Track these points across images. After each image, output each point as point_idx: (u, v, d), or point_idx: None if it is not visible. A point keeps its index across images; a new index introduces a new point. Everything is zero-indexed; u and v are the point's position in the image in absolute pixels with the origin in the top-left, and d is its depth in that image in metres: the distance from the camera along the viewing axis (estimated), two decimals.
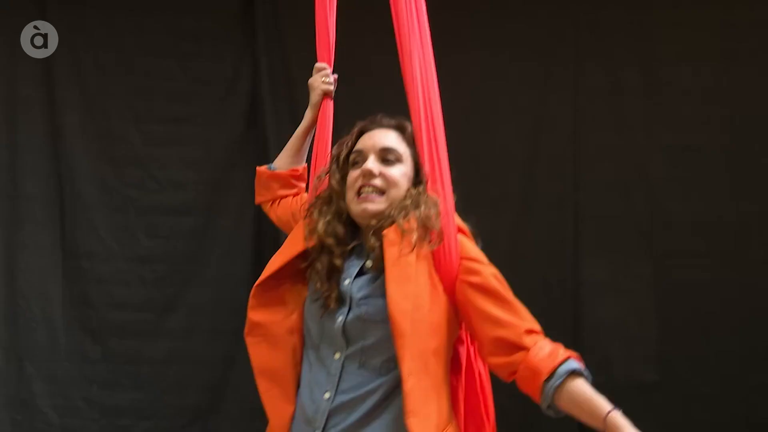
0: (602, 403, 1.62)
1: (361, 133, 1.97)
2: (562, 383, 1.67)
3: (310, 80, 2.24)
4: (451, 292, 1.80)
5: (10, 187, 4.04)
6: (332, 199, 1.91)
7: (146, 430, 3.98)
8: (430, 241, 1.77)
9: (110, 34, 4.13)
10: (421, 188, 1.87)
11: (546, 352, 1.71)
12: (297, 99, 4.15)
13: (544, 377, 1.67)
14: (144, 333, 4.05)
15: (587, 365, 3.65)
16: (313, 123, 2.23)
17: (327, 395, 1.76)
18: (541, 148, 4.10)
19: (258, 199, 2.34)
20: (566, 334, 3.84)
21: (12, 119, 4.05)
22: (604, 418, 1.59)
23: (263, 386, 1.87)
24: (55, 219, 4.05)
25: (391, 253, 1.74)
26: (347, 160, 1.94)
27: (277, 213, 2.26)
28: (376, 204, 1.85)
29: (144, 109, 4.14)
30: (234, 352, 4.06)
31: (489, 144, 4.10)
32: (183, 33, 4.17)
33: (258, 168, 2.34)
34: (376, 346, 1.76)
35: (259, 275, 4.06)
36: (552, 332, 3.70)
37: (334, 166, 1.97)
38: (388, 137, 1.93)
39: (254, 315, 1.88)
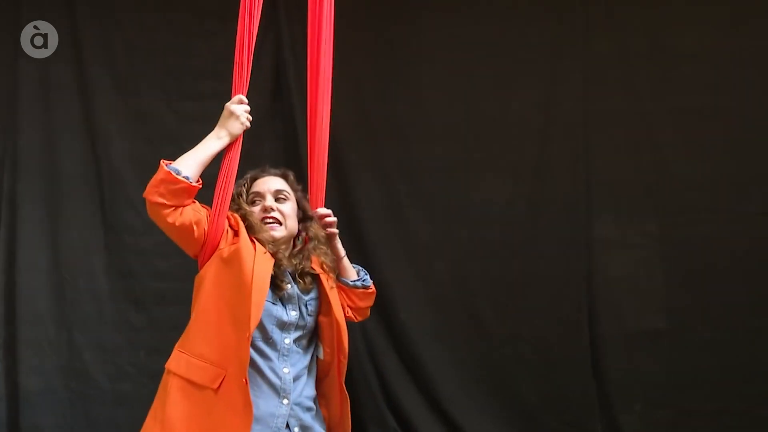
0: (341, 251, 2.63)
1: (254, 179, 2.55)
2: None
3: (235, 108, 2.41)
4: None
5: (51, 168, 4.22)
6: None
7: None
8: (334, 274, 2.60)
9: (137, 17, 4.30)
10: (312, 227, 2.56)
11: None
12: None
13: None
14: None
15: (600, 316, 4.05)
16: (229, 146, 2.43)
17: None
18: (554, 116, 4.38)
19: (156, 200, 2.28)
20: (580, 288, 4.23)
21: (45, 106, 4.23)
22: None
23: None
24: (95, 196, 4.26)
25: (325, 285, 2.50)
26: (246, 200, 2.51)
27: (178, 219, 2.30)
28: (278, 231, 2.47)
29: (174, 88, 4.32)
30: None
31: (504, 114, 4.35)
32: (207, 12, 4.32)
33: (170, 174, 2.28)
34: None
35: None
36: (569, 286, 4.07)
37: (237, 203, 2.50)
38: (278, 182, 2.54)
39: None
